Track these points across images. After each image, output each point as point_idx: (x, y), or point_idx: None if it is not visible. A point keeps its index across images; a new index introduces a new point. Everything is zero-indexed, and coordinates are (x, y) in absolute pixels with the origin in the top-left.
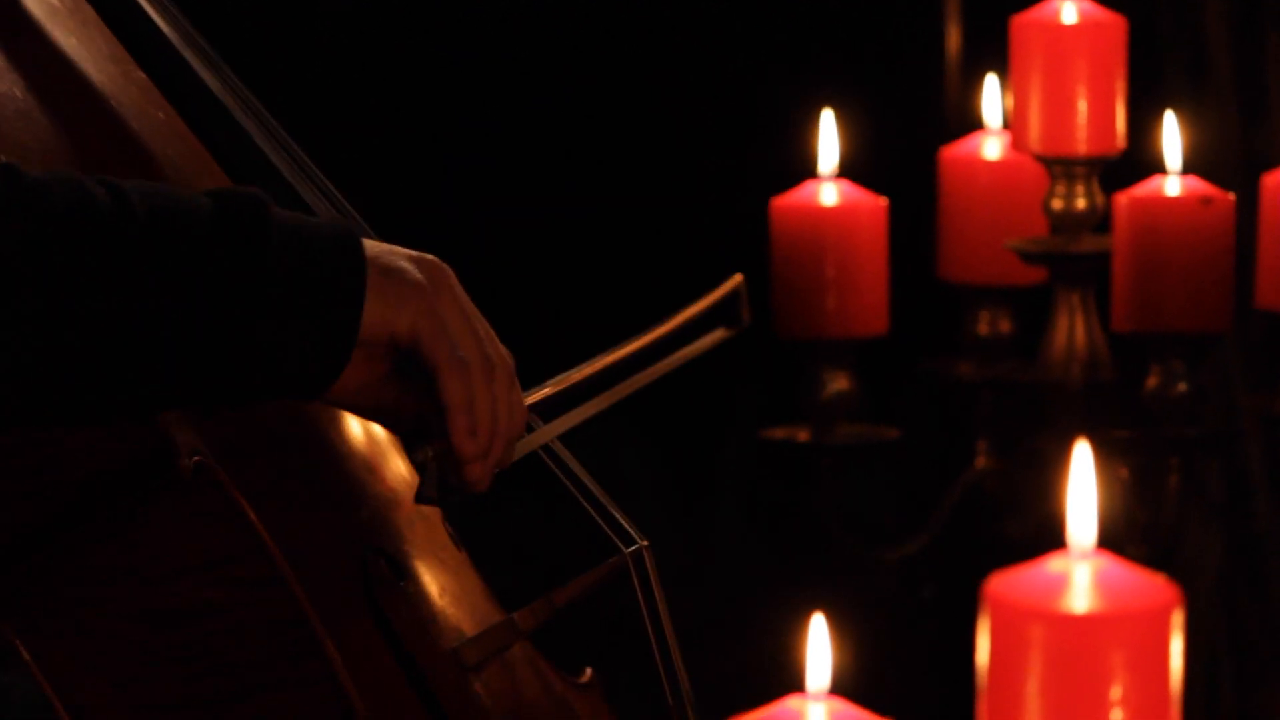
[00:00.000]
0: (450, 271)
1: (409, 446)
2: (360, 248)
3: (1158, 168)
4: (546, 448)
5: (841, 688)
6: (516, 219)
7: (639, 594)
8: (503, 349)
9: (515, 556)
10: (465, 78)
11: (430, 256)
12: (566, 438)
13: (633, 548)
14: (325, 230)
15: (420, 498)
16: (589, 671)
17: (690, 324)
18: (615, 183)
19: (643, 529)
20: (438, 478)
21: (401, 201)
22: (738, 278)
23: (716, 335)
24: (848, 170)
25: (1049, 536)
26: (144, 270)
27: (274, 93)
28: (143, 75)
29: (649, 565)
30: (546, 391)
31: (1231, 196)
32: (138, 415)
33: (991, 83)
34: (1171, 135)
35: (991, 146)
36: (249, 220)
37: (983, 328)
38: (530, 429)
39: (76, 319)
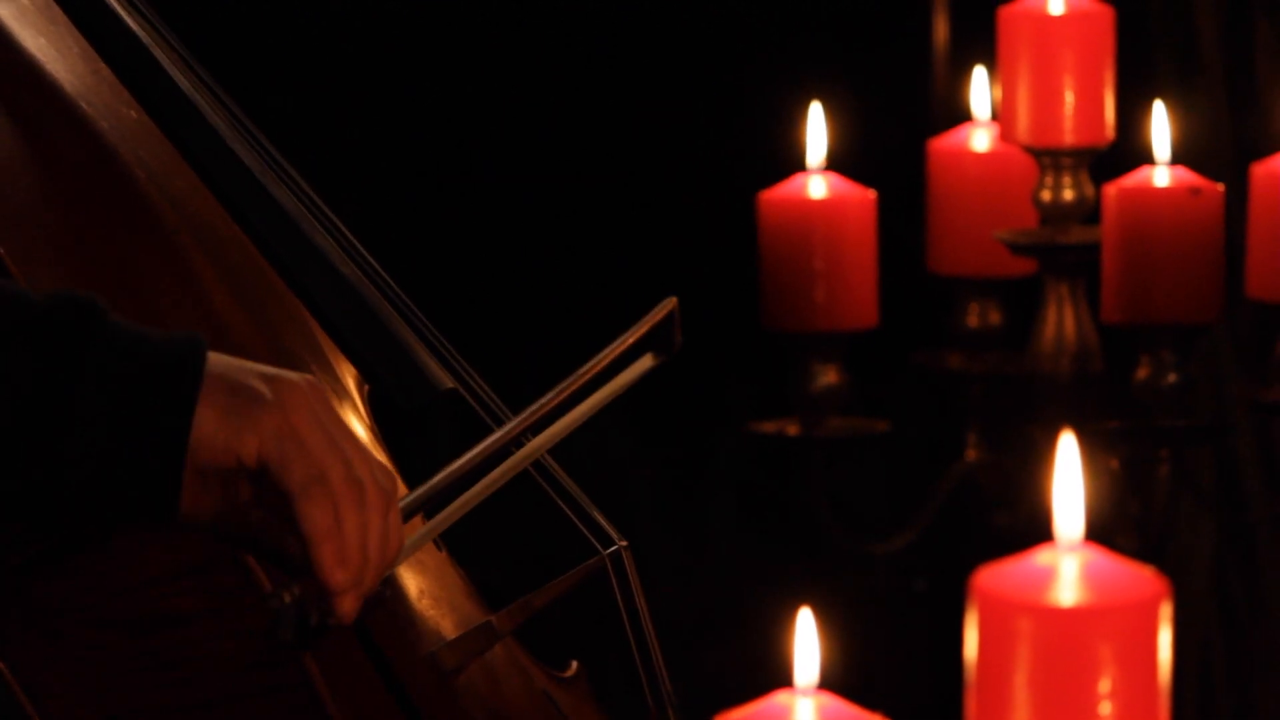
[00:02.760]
0: (315, 389)
1: (266, 593)
2: (199, 362)
3: (1147, 158)
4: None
5: (830, 682)
6: (501, 214)
7: (618, 595)
8: (380, 468)
9: (497, 556)
10: (448, 75)
11: (291, 375)
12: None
13: (611, 549)
14: (164, 343)
15: (277, 642)
16: (575, 665)
17: (621, 356)
18: (602, 177)
19: (632, 523)
20: (296, 618)
21: (374, 191)
22: (672, 301)
23: (644, 364)
24: (836, 163)
25: (1040, 528)
26: None
27: (248, 92)
28: (113, 75)
29: (628, 566)
30: (462, 465)
31: (1220, 187)
32: None
33: (979, 74)
34: (1160, 126)
35: (980, 138)
36: (75, 321)
37: (972, 319)
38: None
39: None
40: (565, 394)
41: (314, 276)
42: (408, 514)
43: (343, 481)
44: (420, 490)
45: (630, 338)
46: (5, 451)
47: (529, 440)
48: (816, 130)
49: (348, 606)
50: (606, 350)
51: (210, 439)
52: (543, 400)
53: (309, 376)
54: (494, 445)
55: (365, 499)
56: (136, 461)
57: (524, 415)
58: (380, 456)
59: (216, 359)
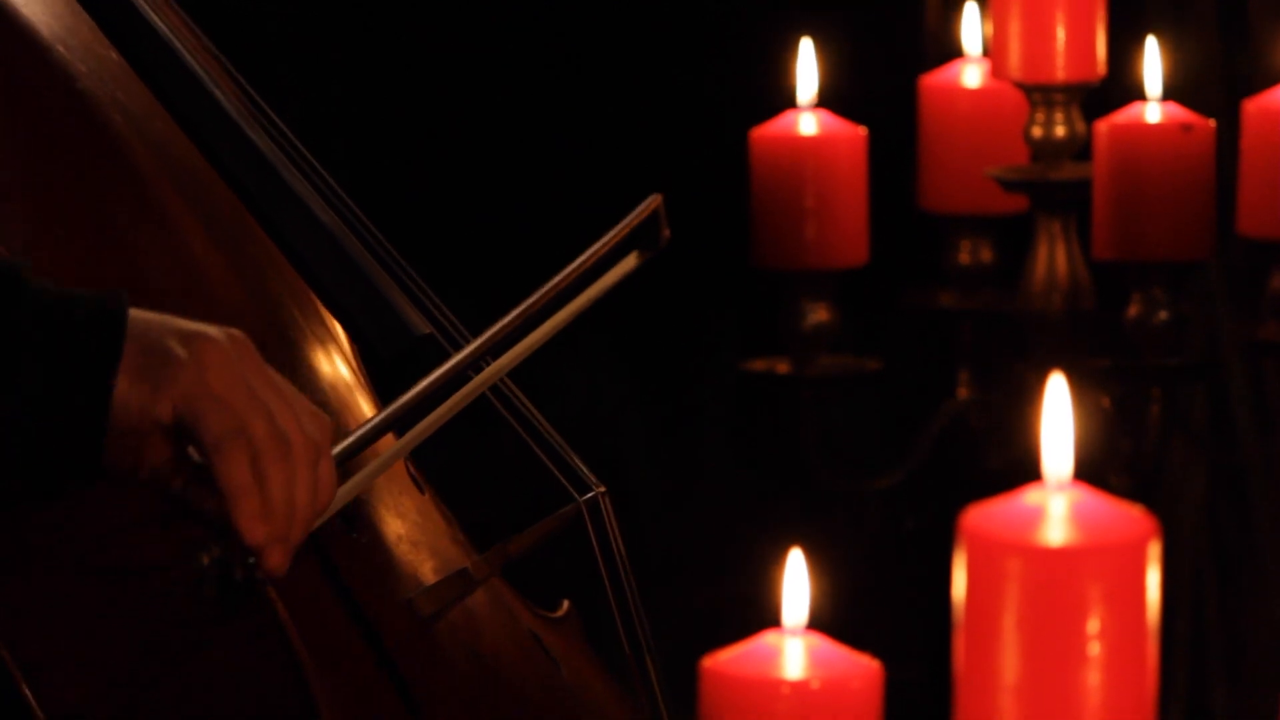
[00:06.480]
0: (238, 343)
1: (191, 550)
2: (120, 327)
3: (1138, 94)
4: (500, 393)
5: (820, 622)
6: (486, 149)
7: (594, 542)
8: (310, 417)
9: (477, 501)
10: (434, 12)
11: (210, 330)
12: (526, 373)
13: (588, 495)
14: (83, 308)
15: (202, 601)
16: (566, 604)
17: (608, 254)
18: (593, 113)
19: (623, 462)
20: (219, 576)
21: (350, 126)
22: (657, 198)
23: (630, 262)
24: (827, 100)
25: (1030, 467)
26: None
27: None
28: (91, 18)
29: (605, 511)
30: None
31: (1212, 123)
32: None
33: (971, 10)
34: (1152, 61)
35: (971, 74)
36: None
37: (963, 257)
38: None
39: None
40: (554, 292)
41: (291, 222)
42: (346, 457)
43: (265, 435)
44: (359, 431)
45: (617, 235)
46: None
47: (509, 348)
48: (807, 67)
49: (275, 560)
50: (593, 248)
51: (124, 402)
52: (529, 300)
53: (233, 331)
54: (470, 355)
55: (290, 451)
56: (60, 429)
57: (510, 317)
58: (363, 400)
59: (136, 318)
